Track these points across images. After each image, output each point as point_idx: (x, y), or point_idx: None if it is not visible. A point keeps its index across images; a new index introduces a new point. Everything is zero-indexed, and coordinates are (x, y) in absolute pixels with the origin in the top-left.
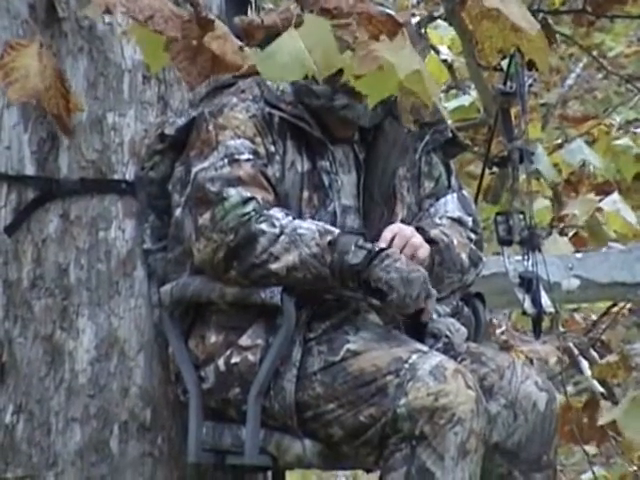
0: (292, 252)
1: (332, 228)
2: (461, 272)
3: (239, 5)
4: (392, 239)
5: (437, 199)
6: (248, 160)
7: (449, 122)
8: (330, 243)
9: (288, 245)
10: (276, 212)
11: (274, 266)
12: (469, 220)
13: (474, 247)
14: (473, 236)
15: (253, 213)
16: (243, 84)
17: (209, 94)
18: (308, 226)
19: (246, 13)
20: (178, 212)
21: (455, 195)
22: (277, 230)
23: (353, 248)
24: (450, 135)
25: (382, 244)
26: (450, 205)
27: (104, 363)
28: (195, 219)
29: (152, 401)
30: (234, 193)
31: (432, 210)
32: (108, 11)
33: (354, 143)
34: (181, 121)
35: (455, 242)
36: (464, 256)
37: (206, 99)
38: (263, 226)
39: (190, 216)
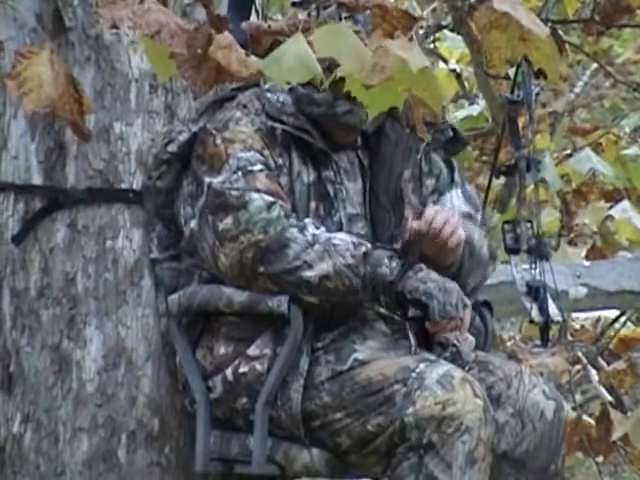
0: (326, 261)
1: (364, 241)
2: (484, 265)
3: (243, 14)
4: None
5: (440, 194)
6: (261, 171)
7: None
8: (364, 255)
9: (322, 254)
10: (307, 221)
11: (307, 274)
12: (477, 215)
13: (489, 245)
14: (483, 232)
15: (283, 216)
16: (243, 98)
17: (208, 108)
18: (342, 237)
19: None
20: (193, 224)
21: (460, 190)
22: (310, 238)
23: (386, 261)
24: (451, 134)
25: (422, 225)
26: (456, 200)
27: (111, 372)
28: (215, 226)
29: (160, 410)
30: (257, 197)
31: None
32: (115, 26)
33: (358, 149)
34: (183, 137)
35: (476, 236)
36: (485, 250)
37: (206, 114)
38: (295, 232)
39: (208, 225)
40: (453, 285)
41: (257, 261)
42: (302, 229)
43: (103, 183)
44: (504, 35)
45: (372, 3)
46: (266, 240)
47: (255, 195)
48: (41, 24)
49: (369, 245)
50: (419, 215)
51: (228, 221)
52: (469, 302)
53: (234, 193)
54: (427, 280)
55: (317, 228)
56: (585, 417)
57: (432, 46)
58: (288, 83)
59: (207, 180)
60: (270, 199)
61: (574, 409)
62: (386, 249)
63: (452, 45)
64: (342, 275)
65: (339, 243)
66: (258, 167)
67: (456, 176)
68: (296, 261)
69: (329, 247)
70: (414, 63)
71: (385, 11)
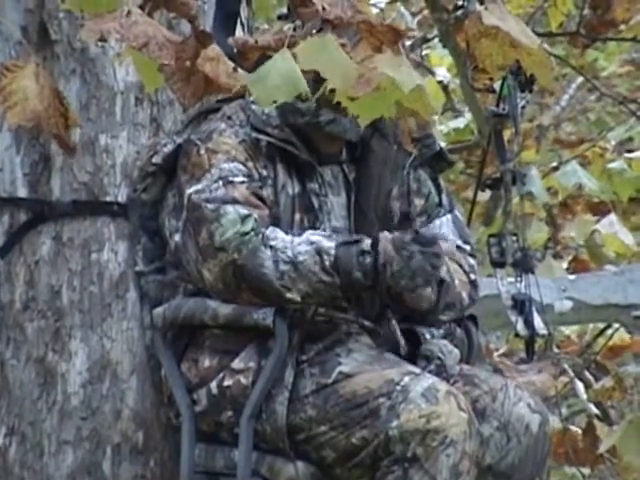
0: (300, 283)
1: (326, 243)
2: (460, 310)
3: (228, 26)
4: None
5: (429, 217)
6: (242, 182)
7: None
8: (334, 264)
9: (294, 275)
10: (272, 233)
11: (288, 295)
12: (467, 247)
13: (473, 282)
14: (472, 261)
15: (252, 233)
16: (228, 109)
17: (193, 120)
18: (305, 249)
19: (234, 33)
20: (178, 237)
21: (450, 217)
22: (274, 255)
23: (355, 263)
24: (437, 148)
25: None
26: (445, 228)
27: (96, 385)
28: (196, 241)
29: (144, 423)
30: (231, 210)
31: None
32: (103, 39)
33: (343, 163)
34: (167, 149)
35: (457, 282)
36: (464, 295)
37: (191, 125)
38: (267, 252)
39: (191, 239)
40: (417, 261)
41: (238, 277)
42: (265, 243)
43: (88, 196)
44: (495, 43)
45: (357, 19)
46: (241, 259)
47: (230, 208)
48: (26, 37)
49: (332, 247)
50: None
51: (205, 235)
52: (431, 247)
53: (209, 206)
54: (396, 273)
55: (283, 237)
56: (572, 427)
57: (419, 57)
58: (274, 102)
59: (187, 191)
60: (245, 212)
61: (561, 422)
62: (349, 244)
63: (442, 53)
64: (320, 291)
65: (304, 259)
66: (240, 179)
67: (444, 199)
68: (274, 285)
69: (297, 267)
70: (405, 83)
71: (371, 26)
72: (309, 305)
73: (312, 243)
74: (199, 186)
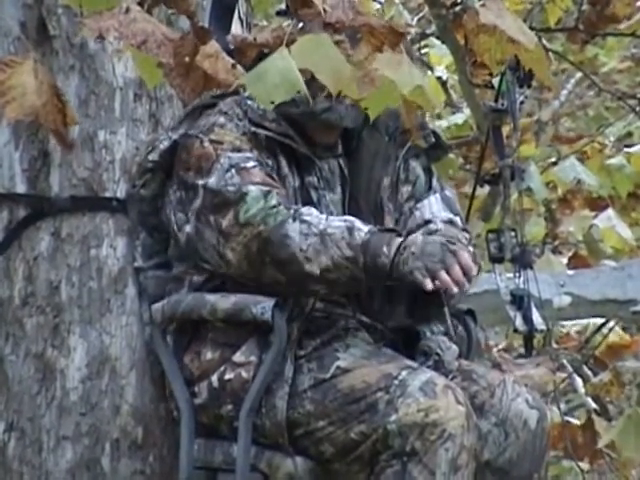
0: (323, 254)
1: (360, 225)
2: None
3: (225, 22)
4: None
5: (417, 201)
6: (255, 167)
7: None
8: (362, 244)
9: (319, 246)
10: (308, 210)
11: (308, 268)
12: (458, 220)
13: (472, 249)
14: (467, 235)
15: (281, 207)
16: (224, 105)
17: (188, 115)
18: (337, 224)
19: (230, 30)
20: (189, 228)
21: (438, 196)
22: (306, 228)
23: (385, 250)
24: (432, 140)
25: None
26: (435, 206)
27: (95, 381)
28: (218, 224)
29: (144, 419)
30: (254, 189)
31: (417, 213)
32: (101, 36)
33: (339, 157)
34: (163, 145)
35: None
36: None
37: (186, 121)
38: (291, 222)
39: (209, 226)
40: (432, 240)
41: (262, 251)
42: (296, 217)
43: (87, 191)
44: (492, 38)
45: (359, 22)
46: (266, 231)
47: (252, 187)
48: (25, 32)
49: (365, 229)
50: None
51: (230, 217)
52: (459, 245)
53: (231, 189)
54: (409, 258)
55: (309, 212)
56: (571, 419)
57: (419, 54)
58: (272, 102)
59: (201, 182)
60: (266, 188)
61: (561, 417)
62: (384, 231)
63: (441, 52)
64: (342, 267)
65: (334, 231)
66: (251, 164)
67: (434, 182)
68: (296, 255)
69: (325, 238)
70: (404, 84)
71: (372, 28)
72: (326, 285)
73: (346, 221)
74: (212, 178)
